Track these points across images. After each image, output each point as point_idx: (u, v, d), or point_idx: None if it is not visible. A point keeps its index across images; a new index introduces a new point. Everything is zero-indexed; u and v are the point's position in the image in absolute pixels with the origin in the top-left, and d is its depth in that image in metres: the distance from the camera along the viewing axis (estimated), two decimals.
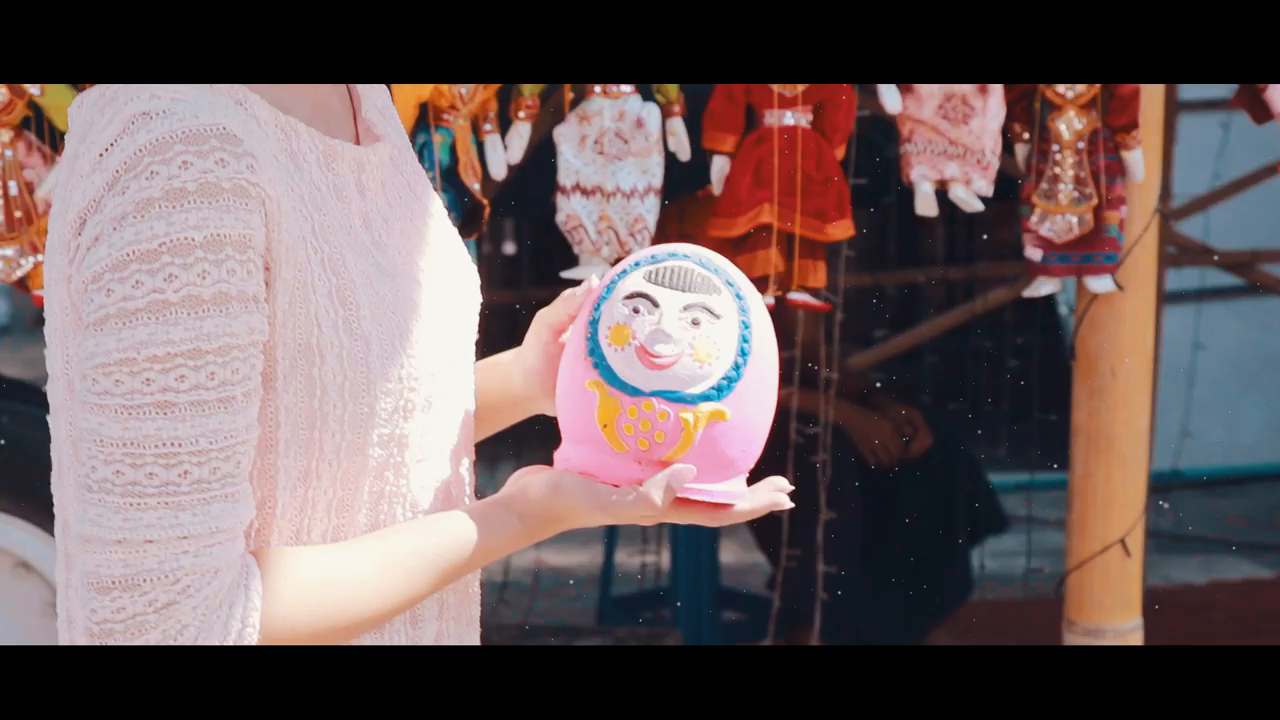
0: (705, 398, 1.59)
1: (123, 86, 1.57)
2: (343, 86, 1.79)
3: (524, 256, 7.83)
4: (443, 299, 1.75)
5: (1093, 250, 3.86)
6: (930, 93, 3.79)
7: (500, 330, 6.39)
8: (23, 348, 7.63)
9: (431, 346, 1.69)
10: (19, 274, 3.41)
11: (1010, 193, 4.04)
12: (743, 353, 1.61)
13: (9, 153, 3.47)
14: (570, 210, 3.88)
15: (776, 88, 3.80)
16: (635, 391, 1.59)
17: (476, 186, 3.80)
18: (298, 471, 1.61)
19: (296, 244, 1.57)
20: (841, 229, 3.83)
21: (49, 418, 1.66)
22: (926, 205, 3.81)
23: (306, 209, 1.60)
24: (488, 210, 3.82)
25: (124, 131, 1.53)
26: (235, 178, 1.52)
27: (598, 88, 3.83)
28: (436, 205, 1.84)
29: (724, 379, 1.60)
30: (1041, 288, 3.91)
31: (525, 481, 1.69)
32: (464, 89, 3.75)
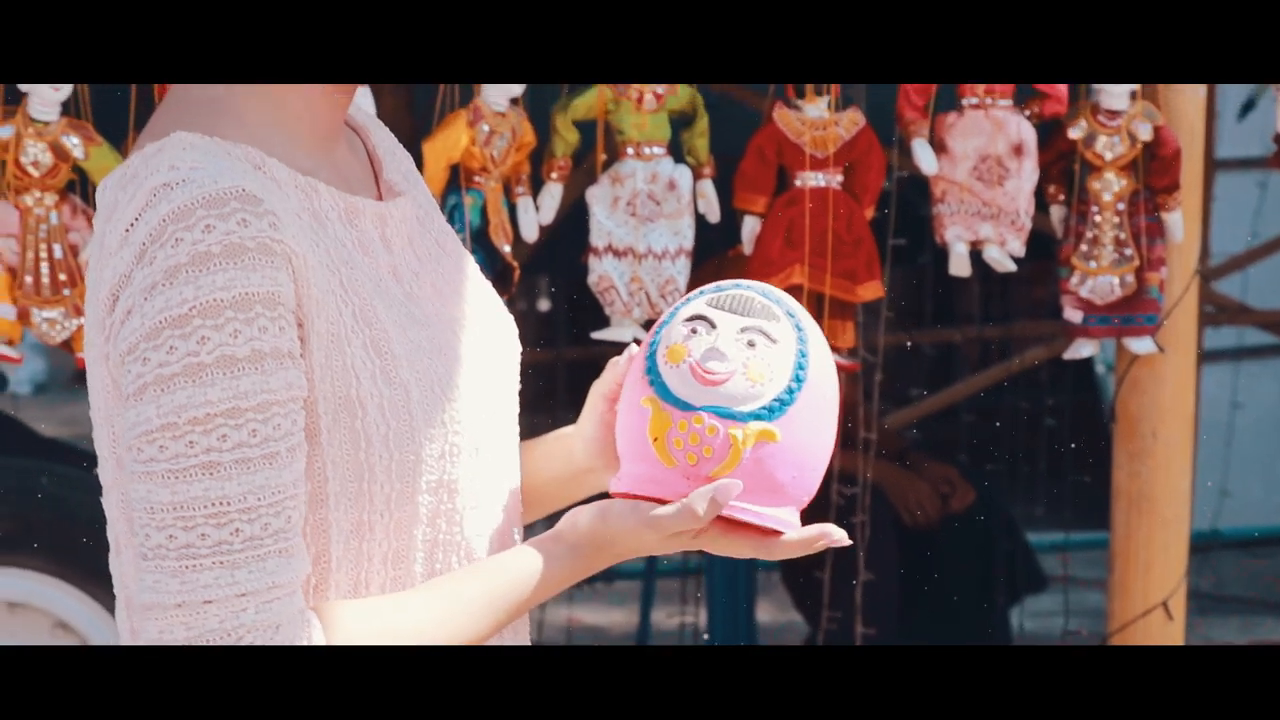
0: (755, 416, 1.61)
1: (142, 162, 1.59)
2: (363, 151, 1.80)
3: (558, 316, 7.85)
4: (481, 346, 1.76)
5: (1133, 312, 3.86)
6: (965, 153, 3.80)
7: (536, 389, 6.40)
8: (61, 406, 7.66)
9: (473, 391, 1.70)
10: (63, 336, 3.43)
11: (1044, 251, 4.04)
12: (797, 378, 1.62)
13: (54, 216, 3.49)
14: (602, 271, 3.89)
15: (808, 149, 3.82)
16: (687, 407, 1.61)
17: (507, 249, 3.82)
18: (350, 525, 1.62)
19: (326, 298, 1.59)
20: (871, 290, 3.85)
21: (102, 499, 1.68)
22: (961, 266, 3.82)
23: (333, 264, 1.62)
24: (518, 273, 3.83)
25: (147, 205, 1.55)
26: (258, 236, 1.54)
27: (631, 149, 3.85)
28: (468, 260, 1.85)
29: (776, 400, 1.61)
30: (1081, 350, 3.91)
31: (574, 513, 1.70)
32: (495, 151, 3.77)
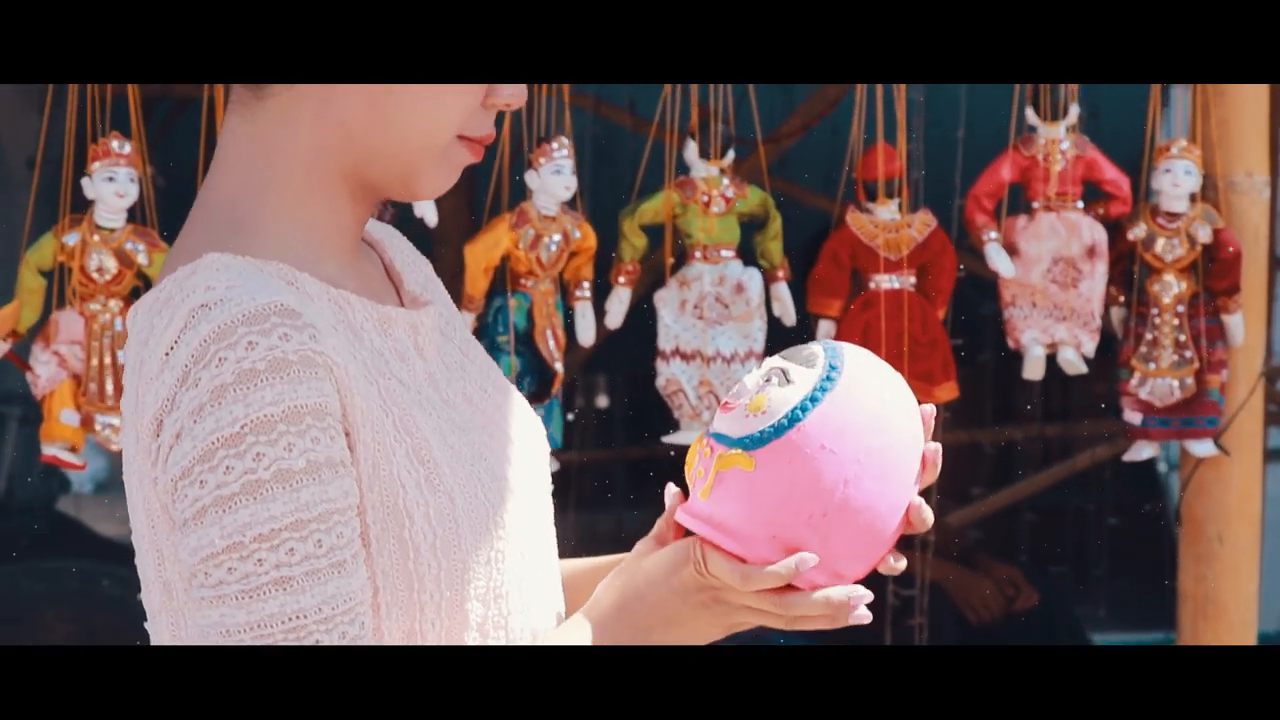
0: (737, 443, 1.61)
1: (176, 286, 1.60)
2: (379, 264, 1.82)
3: (615, 415, 7.85)
4: (516, 450, 1.77)
5: (1194, 414, 3.84)
6: (1038, 256, 3.81)
7: (591, 487, 6.39)
8: (122, 506, 7.67)
9: (514, 496, 1.71)
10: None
11: (1105, 348, 4.04)
12: (792, 417, 1.61)
13: (118, 323, 3.53)
14: (670, 375, 3.90)
15: (882, 252, 3.83)
16: (704, 434, 1.64)
17: (555, 351, 3.83)
18: (401, 634, 1.62)
19: (370, 408, 1.60)
20: (947, 391, 3.85)
21: (147, 625, 1.67)
22: (1035, 369, 3.82)
23: (372, 374, 1.63)
24: (559, 378, 3.84)
25: (186, 326, 1.55)
26: (300, 349, 1.55)
27: (698, 252, 3.87)
28: (493, 366, 1.86)
29: (760, 432, 1.61)
30: (1142, 452, 3.89)
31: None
32: (544, 254, 3.80)
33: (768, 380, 1.62)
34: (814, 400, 1.61)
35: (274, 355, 1.53)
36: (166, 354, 1.55)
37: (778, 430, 1.59)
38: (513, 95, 1.68)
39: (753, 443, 1.60)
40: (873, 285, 3.84)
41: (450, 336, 1.82)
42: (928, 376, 3.79)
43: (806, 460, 1.59)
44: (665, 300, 3.91)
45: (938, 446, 1.69)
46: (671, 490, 1.69)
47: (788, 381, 1.61)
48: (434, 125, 1.66)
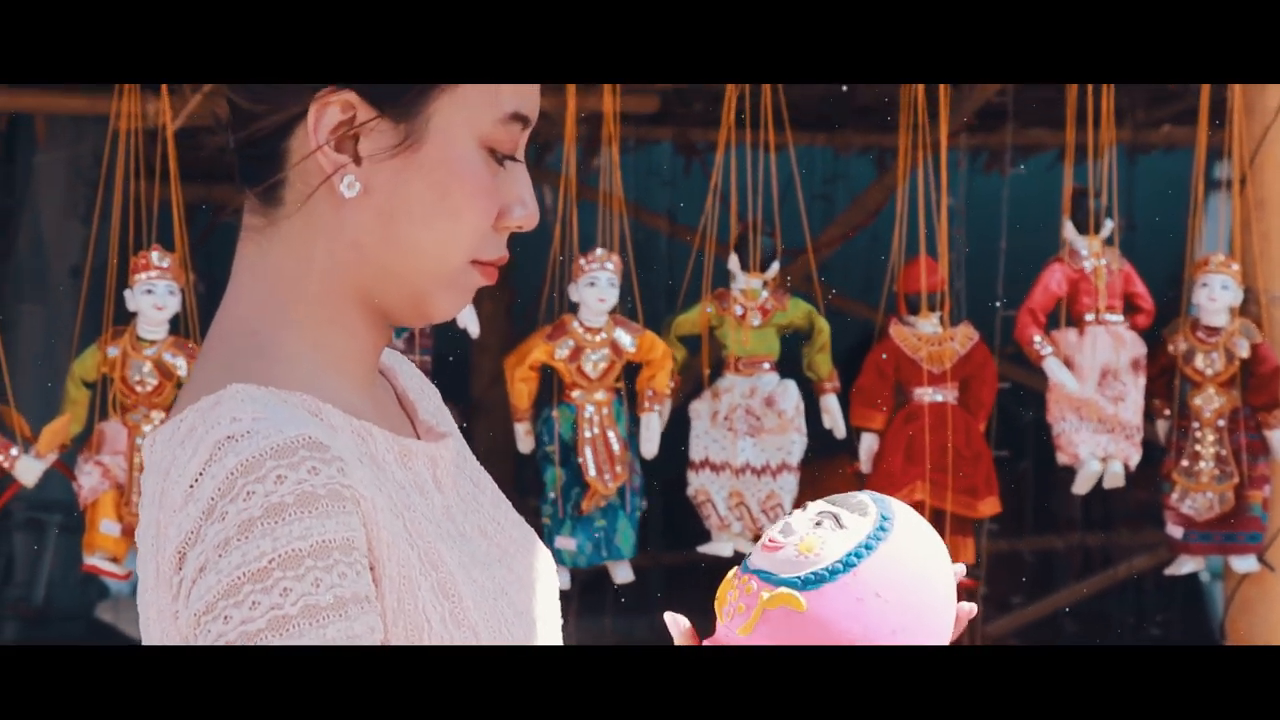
0: (788, 583, 1.60)
1: (199, 416, 1.57)
2: (391, 392, 1.80)
3: (654, 521, 7.84)
4: (531, 582, 1.76)
5: (1236, 529, 3.82)
6: (1091, 370, 3.81)
7: (633, 593, 6.38)
8: None
9: (536, 630, 1.69)
10: None
11: (1146, 458, 4.03)
12: (848, 562, 1.60)
13: None
14: (700, 485, 3.90)
15: (925, 364, 3.84)
16: (745, 569, 1.62)
17: (591, 465, 3.83)
18: None
19: (395, 541, 1.57)
20: (990, 506, 3.85)
21: None
22: (1087, 484, 3.82)
23: (396, 508, 1.60)
24: (592, 492, 3.84)
25: (211, 459, 1.51)
26: (329, 483, 1.51)
27: (733, 364, 3.88)
28: (501, 497, 1.85)
29: (814, 574, 1.60)
30: (1184, 566, 3.87)
31: None
32: (588, 366, 3.80)
33: (818, 523, 1.61)
34: (868, 548, 1.61)
35: (302, 489, 1.50)
36: (191, 486, 1.52)
37: (833, 573, 1.59)
38: (524, 218, 1.65)
39: (805, 584, 1.59)
40: (916, 398, 3.84)
41: (463, 468, 1.81)
42: (972, 491, 3.79)
43: (859, 605, 1.59)
44: (699, 411, 3.92)
45: (972, 607, 1.69)
46: (682, 625, 1.68)
47: (840, 526, 1.61)
48: (446, 249, 1.63)
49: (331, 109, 1.60)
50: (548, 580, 1.80)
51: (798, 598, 1.59)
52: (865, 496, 1.65)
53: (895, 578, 1.61)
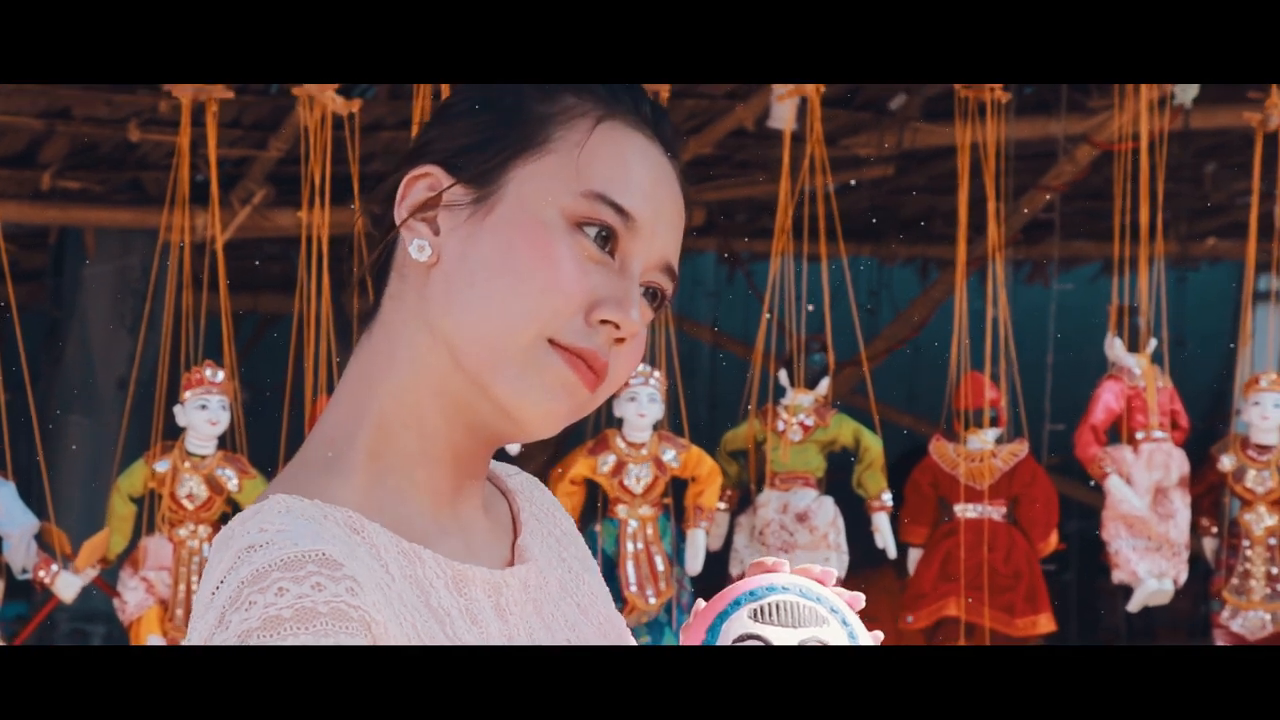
0: None
1: (240, 524, 1.55)
2: (507, 515, 1.77)
3: None
4: None
5: None
6: (1147, 488, 3.81)
7: None
8: None
9: None
10: None
11: (1193, 570, 4.01)
12: None
13: (206, 549, 3.54)
14: None
15: (963, 480, 3.83)
16: None
17: (632, 580, 3.83)
18: None
19: None
20: (1032, 625, 3.82)
21: None
22: (1145, 600, 3.81)
23: (422, 635, 1.58)
24: (631, 606, 3.84)
25: (231, 567, 1.49)
26: (332, 601, 1.47)
27: (772, 480, 3.88)
28: (610, 620, 1.80)
29: None
30: None
31: None
32: (631, 480, 3.80)
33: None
34: None
35: (301, 604, 1.46)
36: (212, 593, 1.50)
37: None
38: (619, 318, 1.51)
39: None
40: (956, 513, 3.84)
41: (570, 591, 1.76)
42: (1009, 608, 3.77)
43: None
44: (741, 525, 3.92)
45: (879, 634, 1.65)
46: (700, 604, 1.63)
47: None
48: (509, 313, 1.54)
49: (418, 185, 1.57)
50: None
51: None
52: (792, 597, 1.57)
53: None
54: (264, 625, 1.47)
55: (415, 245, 1.56)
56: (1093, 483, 3.95)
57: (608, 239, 1.53)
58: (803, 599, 1.56)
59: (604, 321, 1.53)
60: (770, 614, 1.56)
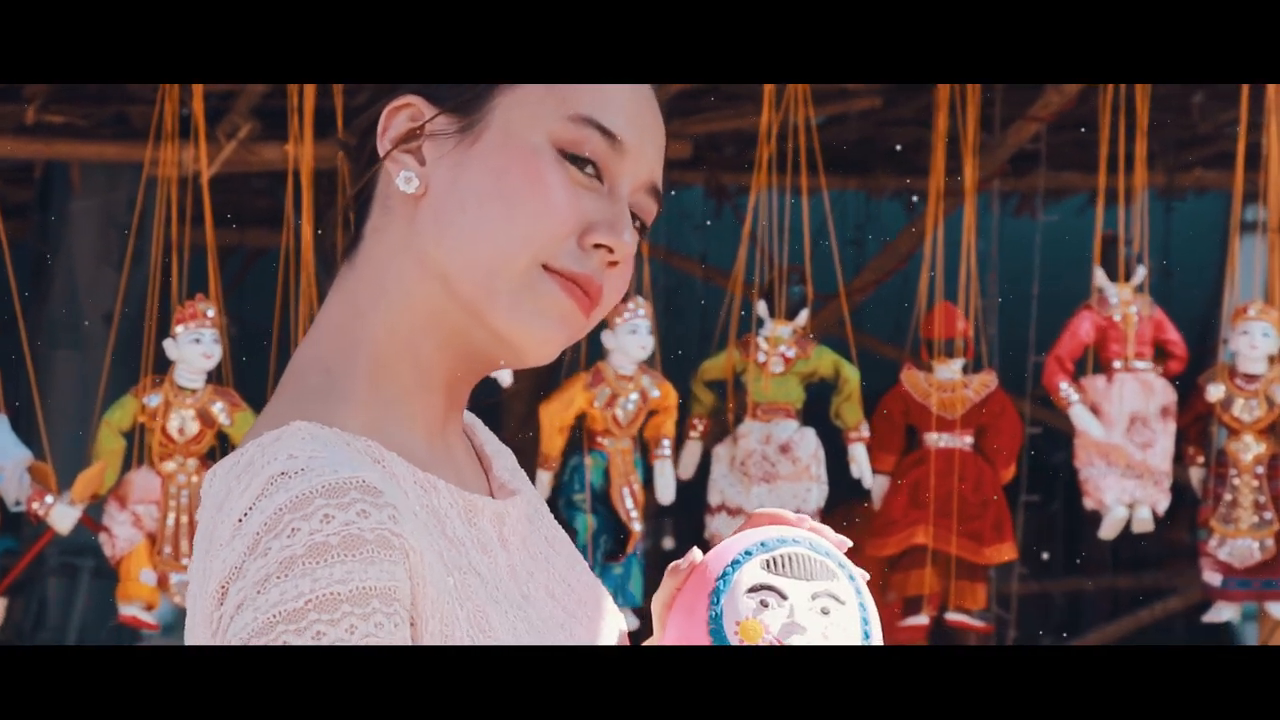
0: None
1: (259, 451, 1.52)
2: (471, 448, 1.76)
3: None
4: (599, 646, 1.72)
5: (1274, 576, 3.81)
6: (1119, 417, 3.82)
7: (638, 640, 6.43)
8: None
9: None
10: None
11: (1175, 500, 4.03)
12: (865, 634, 1.58)
13: (195, 481, 3.54)
14: (715, 529, 3.90)
15: (935, 410, 3.84)
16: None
17: (633, 510, 3.84)
18: None
19: (441, 599, 1.52)
20: (998, 553, 3.84)
21: None
22: (1114, 529, 3.82)
23: (449, 565, 1.55)
24: (634, 537, 3.85)
25: (262, 494, 1.47)
26: (378, 529, 1.46)
27: (753, 410, 3.88)
28: (577, 557, 1.80)
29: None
30: (1221, 613, 3.86)
31: None
32: (620, 413, 3.80)
33: (824, 611, 1.57)
34: (864, 608, 1.58)
35: (349, 532, 1.45)
36: (240, 520, 1.47)
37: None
38: (611, 241, 1.54)
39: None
40: (925, 443, 3.86)
41: (537, 525, 1.77)
42: (977, 536, 3.80)
43: None
44: (719, 456, 3.93)
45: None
46: (694, 555, 1.62)
47: (840, 603, 1.58)
48: (502, 238, 1.53)
49: (399, 116, 1.56)
50: (611, 643, 1.77)
51: None
52: (803, 549, 1.56)
53: (875, 612, 1.60)
54: (309, 552, 1.45)
55: (403, 177, 1.55)
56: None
57: (592, 163, 1.54)
58: (814, 552, 1.57)
59: (598, 246, 1.54)
60: (784, 565, 1.56)
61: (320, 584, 1.45)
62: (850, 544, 1.62)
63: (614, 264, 1.56)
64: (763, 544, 1.57)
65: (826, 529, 1.61)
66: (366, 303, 1.59)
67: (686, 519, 4.97)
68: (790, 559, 1.56)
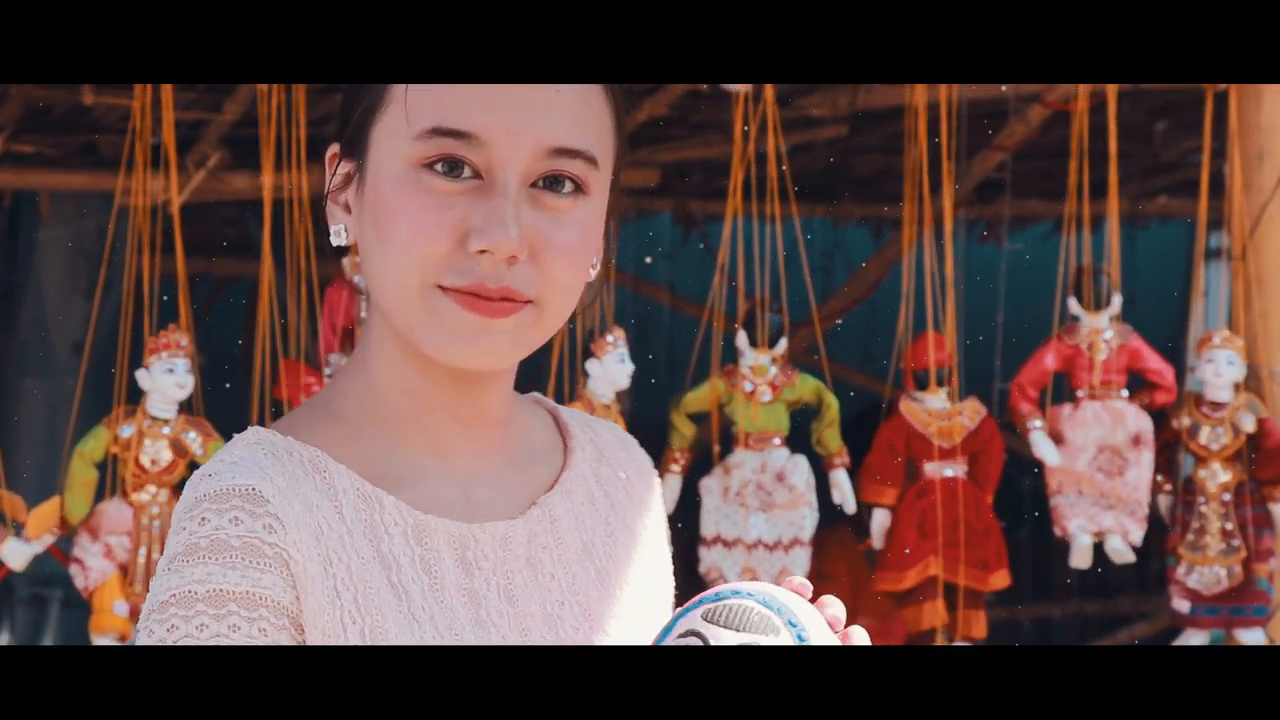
0: None
1: (216, 452, 1.61)
2: (555, 471, 1.76)
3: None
4: None
5: (1243, 603, 3.83)
6: (1084, 444, 3.83)
7: None
8: None
9: None
10: None
11: (1151, 529, 4.05)
12: None
13: (168, 512, 3.54)
14: (712, 562, 3.90)
15: (936, 440, 3.85)
16: None
17: None
18: None
19: (325, 609, 1.54)
20: (1000, 579, 3.86)
21: None
22: (1083, 557, 3.84)
23: (353, 578, 1.59)
24: None
25: (189, 487, 1.57)
26: (246, 536, 1.53)
27: (743, 439, 3.88)
28: (643, 597, 1.79)
29: None
30: (1190, 640, 3.88)
31: None
32: None
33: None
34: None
35: (217, 535, 1.53)
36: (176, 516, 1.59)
37: None
38: (485, 244, 1.56)
39: None
40: (927, 474, 3.86)
41: (595, 558, 1.70)
42: (983, 564, 3.82)
43: None
44: (709, 487, 3.92)
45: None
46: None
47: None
48: (398, 274, 1.58)
49: (332, 166, 1.65)
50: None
51: None
52: (748, 602, 1.57)
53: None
54: (185, 551, 1.54)
55: (333, 231, 1.64)
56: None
57: (459, 165, 1.56)
58: (761, 607, 1.57)
59: (481, 251, 1.56)
60: (719, 615, 1.57)
61: (184, 581, 1.53)
62: (810, 588, 1.62)
63: (512, 259, 1.57)
64: (716, 594, 1.59)
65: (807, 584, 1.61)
66: (370, 337, 1.67)
67: (674, 552, 4.97)
68: (729, 610, 1.57)
